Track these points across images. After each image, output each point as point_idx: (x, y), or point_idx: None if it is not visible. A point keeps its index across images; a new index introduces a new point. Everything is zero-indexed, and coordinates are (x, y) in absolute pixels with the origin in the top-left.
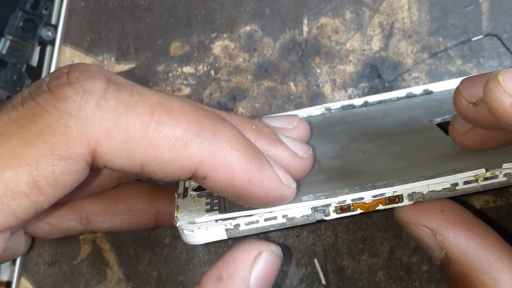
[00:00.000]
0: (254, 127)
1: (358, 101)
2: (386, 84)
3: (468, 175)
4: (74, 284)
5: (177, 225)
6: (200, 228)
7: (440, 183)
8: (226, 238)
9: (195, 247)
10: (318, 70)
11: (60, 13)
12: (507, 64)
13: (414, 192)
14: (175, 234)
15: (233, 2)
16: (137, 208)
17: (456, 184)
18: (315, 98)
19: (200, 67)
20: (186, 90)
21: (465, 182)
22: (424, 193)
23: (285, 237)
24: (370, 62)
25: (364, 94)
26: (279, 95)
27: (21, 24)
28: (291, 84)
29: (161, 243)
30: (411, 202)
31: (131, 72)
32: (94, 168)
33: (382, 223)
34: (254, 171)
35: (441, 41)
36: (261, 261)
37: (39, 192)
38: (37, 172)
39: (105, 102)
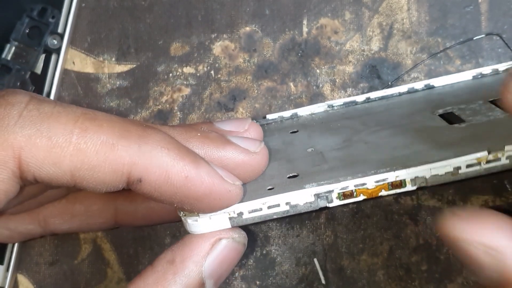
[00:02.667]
0: (199, 134)
1: (360, 98)
2: (390, 83)
3: (471, 158)
4: (75, 283)
5: (181, 215)
6: (204, 216)
7: (442, 167)
8: (230, 226)
9: None
10: (318, 71)
11: (66, 22)
12: None
13: (417, 177)
14: (175, 234)
15: (233, 2)
16: (95, 208)
17: (459, 168)
18: (315, 98)
19: (200, 67)
20: (186, 91)
21: (468, 166)
22: (427, 177)
23: (285, 237)
24: (369, 62)
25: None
26: (279, 95)
27: (27, 31)
28: (291, 84)
29: (161, 243)
30: (414, 187)
31: (131, 73)
32: (25, 181)
33: (381, 222)
34: (189, 168)
35: (441, 42)
36: (218, 248)
37: None
38: None
39: (27, 112)
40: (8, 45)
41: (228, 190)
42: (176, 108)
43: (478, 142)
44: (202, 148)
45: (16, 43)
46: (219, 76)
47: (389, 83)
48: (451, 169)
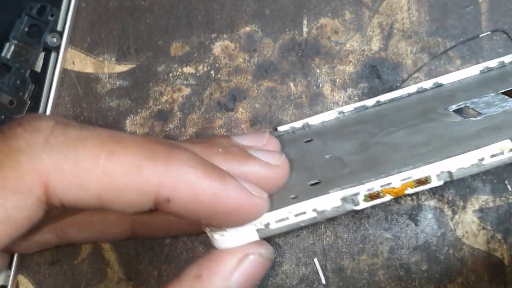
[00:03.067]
0: (220, 150)
1: (370, 102)
2: (398, 84)
3: (493, 147)
4: (75, 283)
5: (206, 231)
6: (230, 230)
7: (466, 159)
8: (258, 238)
9: (195, 246)
10: (318, 71)
11: (66, 20)
12: None
13: (442, 172)
14: None
15: (233, 2)
16: (112, 219)
17: (483, 159)
18: (315, 98)
19: (201, 67)
20: (186, 91)
21: (492, 156)
22: (453, 171)
23: (285, 237)
24: (369, 62)
25: (364, 94)
26: (279, 95)
27: (26, 29)
28: (291, 84)
29: (161, 243)
30: (441, 182)
31: (132, 73)
32: (51, 206)
33: (381, 222)
34: (217, 185)
35: (441, 42)
36: (246, 263)
37: None
38: None
39: (53, 138)
40: (7, 44)
41: (255, 203)
42: (176, 108)
43: (498, 132)
44: (225, 164)
45: (15, 41)
46: (219, 76)
47: (398, 84)
48: (475, 161)
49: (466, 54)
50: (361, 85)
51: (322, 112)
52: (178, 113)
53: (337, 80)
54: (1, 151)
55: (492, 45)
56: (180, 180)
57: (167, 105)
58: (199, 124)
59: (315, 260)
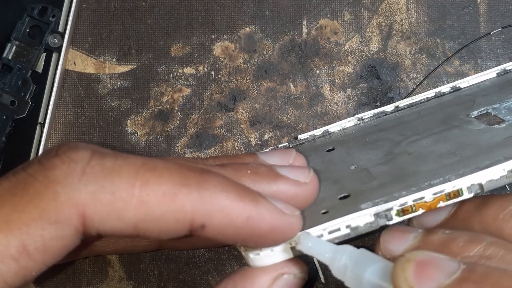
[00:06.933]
0: (249, 171)
1: (389, 107)
2: (414, 87)
3: None
4: (76, 282)
5: (241, 250)
6: (266, 249)
7: (496, 171)
8: (292, 256)
9: None
10: (317, 71)
11: (67, 21)
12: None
13: (473, 184)
14: None
15: (233, 3)
16: None
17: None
18: (314, 98)
19: (201, 68)
20: (187, 91)
21: None
22: (483, 183)
23: None
24: (368, 63)
25: (363, 95)
26: (278, 95)
27: (28, 30)
28: (291, 85)
29: None
30: (471, 195)
31: (132, 73)
32: (88, 236)
33: None
34: (250, 207)
35: (439, 42)
36: (279, 283)
37: (28, 256)
38: (26, 236)
39: (90, 168)
40: (9, 44)
41: (289, 222)
42: (176, 108)
43: None
44: (254, 185)
45: (17, 42)
46: (219, 76)
47: (414, 88)
48: (505, 173)
49: (464, 54)
50: (360, 85)
51: (321, 112)
52: (179, 113)
53: (336, 80)
54: (39, 182)
55: (491, 46)
56: (214, 206)
57: (168, 106)
58: (200, 124)
59: (315, 259)
